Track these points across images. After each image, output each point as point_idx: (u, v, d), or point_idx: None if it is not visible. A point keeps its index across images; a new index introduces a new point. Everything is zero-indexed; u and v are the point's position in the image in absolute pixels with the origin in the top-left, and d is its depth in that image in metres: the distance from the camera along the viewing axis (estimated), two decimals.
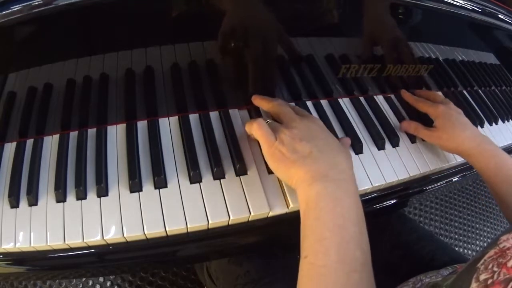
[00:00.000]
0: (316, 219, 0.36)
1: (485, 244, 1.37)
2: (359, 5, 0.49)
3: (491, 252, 0.29)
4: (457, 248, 1.30)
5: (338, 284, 0.32)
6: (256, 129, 0.42)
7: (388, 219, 0.67)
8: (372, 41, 0.54)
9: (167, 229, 0.40)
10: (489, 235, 1.40)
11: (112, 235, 0.39)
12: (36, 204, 0.41)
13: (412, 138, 0.56)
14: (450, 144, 0.52)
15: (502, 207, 0.50)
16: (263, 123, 0.42)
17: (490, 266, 0.28)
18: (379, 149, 0.53)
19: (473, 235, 1.37)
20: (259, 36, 0.46)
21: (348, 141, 0.50)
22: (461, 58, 0.66)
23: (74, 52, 0.42)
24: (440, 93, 0.62)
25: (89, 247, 0.41)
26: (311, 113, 0.53)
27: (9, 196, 0.41)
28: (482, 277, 0.27)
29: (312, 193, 0.37)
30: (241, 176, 0.45)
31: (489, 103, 0.72)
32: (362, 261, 0.34)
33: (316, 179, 0.37)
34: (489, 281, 0.26)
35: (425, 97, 0.60)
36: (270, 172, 0.46)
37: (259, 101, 0.49)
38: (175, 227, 0.41)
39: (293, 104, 0.53)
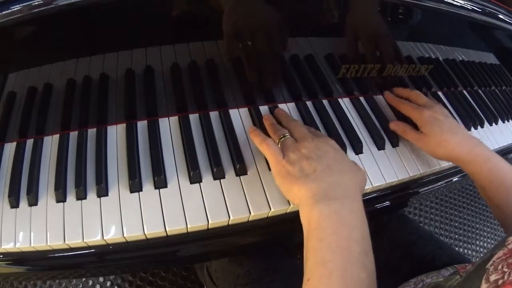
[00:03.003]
0: (319, 240, 0.35)
1: (485, 244, 1.37)
2: (360, 6, 0.49)
3: (500, 253, 0.29)
4: (457, 248, 1.30)
5: None
6: (265, 149, 0.43)
7: (388, 219, 0.67)
8: (373, 41, 0.54)
9: (167, 229, 0.40)
10: (489, 235, 1.40)
11: (112, 235, 0.39)
12: (36, 204, 0.41)
13: None
14: (440, 151, 0.50)
15: (495, 213, 0.48)
16: (272, 143, 0.43)
17: (500, 267, 0.28)
18: (379, 149, 0.53)
19: (473, 235, 1.37)
20: (259, 36, 0.46)
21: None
22: (461, 58, 0.66)
23: (74, 52, 0.42)
24: (422, 94, 0.57)
25: (89, 247, 0.41)
26: (309, 112, 0.53)
27: (9, 196, 0.41)
28: (493, 278, 0.27)
29: (314, 213, 0.36)
30: (241, 176, 0.45)
31: (489, 103, 0.72)
32: (367, 283, 0.33)
33: (318, 198, 0.37)
34: (500, 282, 0.26)
35: (406, 97, 0.58)
36: (270, 168, 0.46)
37: (281, 115, 0.49)
38: (175, 227, 0.41)
39: (293, 104, 0.54)
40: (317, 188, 0.37)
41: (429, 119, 0.51)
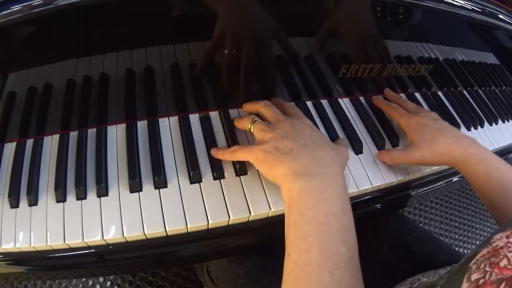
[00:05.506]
0: (299, 215, 0.35)
1: None
2: (359, 5, 0.49)
3: (484, 251, 0.28)
4: (457, 248, 1.30)
5: (321, 282, 0.32)
6: (237, 156, 0.43)
7: (387, 219, 0.67)
8: (373, 41, 0.54)
9: (167, 229, 0.40)
10: (489, 235, 1.39)
11: (112, 235, 0.40)
12: (36, 204, 0.41)
13: None
14: (435, 158, 0.48)
15: (493, 214, 0.47)
16: (236, 148, 0.43)
17: (482, 265, 0.27)
18: (379, 149, 0.53)
19: (473, 235, 1.37)
20: (257, 37, 0.46)
21: (342, 141, 0.50)
22: (461, 58, 0.66)
23: (74, 52, 0.42)
24: (410, 102, 0.56)
25: (89, 247, 0.41)
26: (309, 112, 0.53)
27: (9, 196, 0.41)
28: (474, 277, 0.26)
29: (295, 188, 0.36)
30: (241, 176, 0.45)
31: (489, 103, 0.72)
32: (348, 258, 0.33)
33: (298, 175, 0.37)
34: (481, 281, 0.25)
35: (395, 102, 0.57)
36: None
37: (248, 108, 0.49)
38: (175, 227, 0.41)
39: (292, 104, 0.53)
40: (297, 166, 0.37)
41: (417, 126, 0.50)
